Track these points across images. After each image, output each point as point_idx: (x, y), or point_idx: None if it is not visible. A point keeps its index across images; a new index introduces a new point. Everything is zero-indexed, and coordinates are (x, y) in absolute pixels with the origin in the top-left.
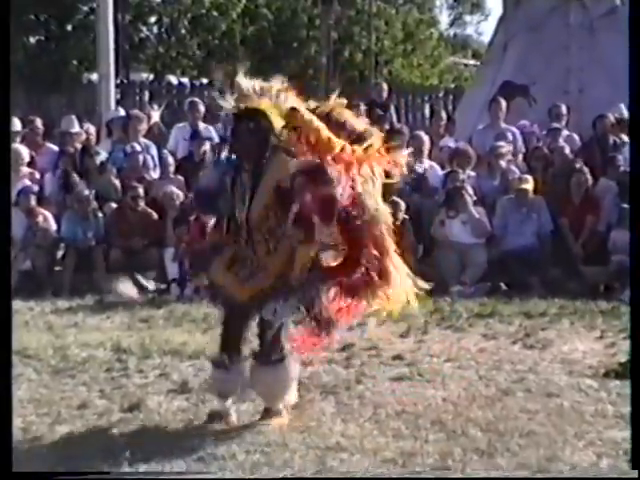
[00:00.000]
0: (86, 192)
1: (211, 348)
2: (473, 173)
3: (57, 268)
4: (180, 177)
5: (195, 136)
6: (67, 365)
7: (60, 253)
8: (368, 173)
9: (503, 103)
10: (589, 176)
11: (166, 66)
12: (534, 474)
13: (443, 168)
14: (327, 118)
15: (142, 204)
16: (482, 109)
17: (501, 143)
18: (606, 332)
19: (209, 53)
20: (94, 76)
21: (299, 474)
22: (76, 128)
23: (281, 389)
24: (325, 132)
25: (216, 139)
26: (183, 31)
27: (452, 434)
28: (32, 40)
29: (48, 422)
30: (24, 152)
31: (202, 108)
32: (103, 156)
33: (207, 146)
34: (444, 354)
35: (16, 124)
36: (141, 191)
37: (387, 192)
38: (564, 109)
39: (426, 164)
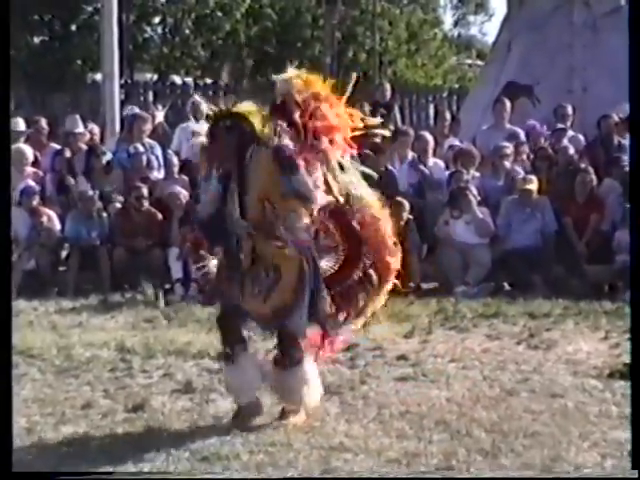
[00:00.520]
0: (90, 192)
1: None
2: (477, 173)
3: (61, 268)
4: (184, 177)
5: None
6: (71, 365)
7: (64, 253)
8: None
9: (507, 103)
10: (593, 176)
11: (170, 66)
12: (539, 475)
13: (448, 168)
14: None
15: (146, 204)
16: (486, 109)
17: (505, 143)
18: (610, 333)
19: (213, 53)
20: (98, 76)
21: (303, 474)
22: (80, 128)
23: (303, 390)
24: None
25: None
26: (187, 31)
27: (456, 434)
28: (36, 40)
29: (52, 422)
30: (28, 152)
31: (204, 108)
32: (109, 156)
33: None
34: (448, 354)
35: (20, 124)
36: (145, 191)
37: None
38: (570, 109)
39: (430, 161)
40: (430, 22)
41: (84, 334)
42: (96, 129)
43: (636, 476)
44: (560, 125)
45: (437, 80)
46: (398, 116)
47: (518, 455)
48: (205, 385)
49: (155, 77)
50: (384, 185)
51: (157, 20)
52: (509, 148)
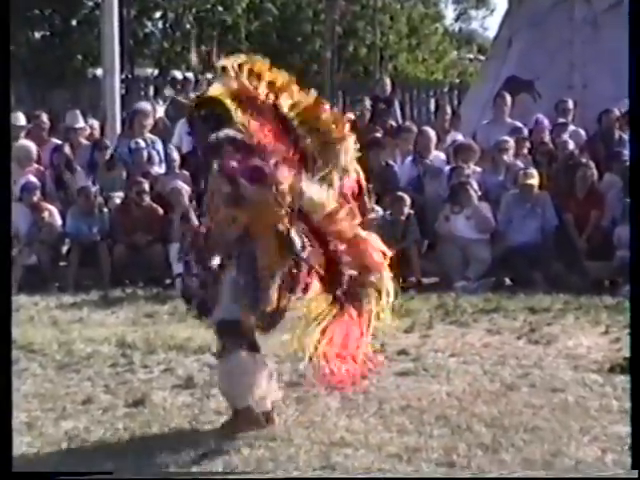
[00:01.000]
0: (91, 187)
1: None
2: (478, 168)
3: (62, 263)
4: (185, 172)
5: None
6: (72, 360)
7: (65, 248)
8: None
9: (508, 98)
10: (594, 171)
11: (171, 61)
12: (539, 470)
13: (449, 163)
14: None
15: (147, 199)
16: (487, 104)
17: (506, 138)
18: (611, 327)
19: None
20: (99, 71)
21: (304, 469)
22: (81, 123)
23: (238, 384)
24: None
25: None
26: (188, 26)
27: (457, 429)
28: (37, 35)
29: (53, 417)
30: (33, 148)
31: None
32: (112, 151)
33: None
34: (449, 349)
35: (21, 119)
36: (146, 186)
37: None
38: (571, 104)
39: (431, 155)
40: (431, 17)
41: (85, 329)
42: (96, 124)
43: (636, 476)
44: (561, 120)
45: (438, 75)
46: (398, 111)
47: (519, 450)
48: (206, 380)
49: (156, 72)
50: (385, 180)
51: (158, 15)
52: (509, 143)
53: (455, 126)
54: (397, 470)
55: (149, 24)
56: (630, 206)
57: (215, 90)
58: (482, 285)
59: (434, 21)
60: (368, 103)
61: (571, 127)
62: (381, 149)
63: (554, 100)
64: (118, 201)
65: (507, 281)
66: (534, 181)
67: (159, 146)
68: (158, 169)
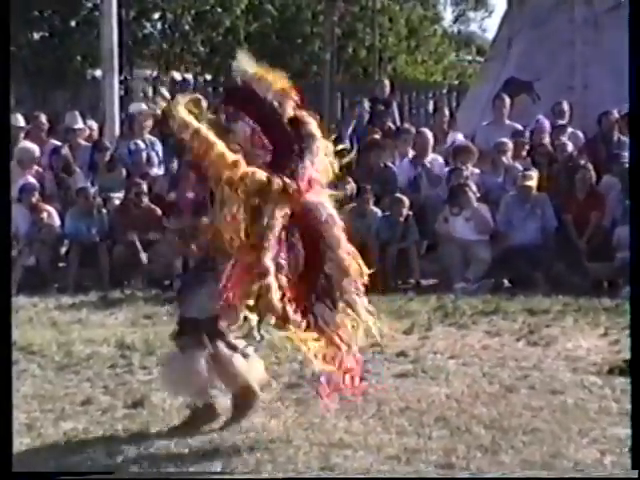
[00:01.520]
0: (91, 188)
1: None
2: (477, 170)
3: (61, 264)
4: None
5: None
6: (71, 361)
7: (64, 249)
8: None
9: (507, 100)
10: (593, 172)
11: (170, 62)
12: (539, 472)
13: (448, 164)
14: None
15: (146, 200)
16: (486, 106)
17: (505, 140)
18: (610, 329)
19: (213, 49)
20: (98, 72)
21: (303, 470)
22: (80, 124)
23: (186, 379)
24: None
25: None
26: (187, 27)
27: (456, 431)
28: (36, 36)
29: (52, 418)
30: (35, 150)
31: (204, 104)
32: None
33: None
34: (448, 351)
35: (20, 120)
36: (145, 187)
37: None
38: (566, 106)
39: (429, 158)
40: (430, 18)
41: (84, 330)
42: (95, 125)
43: (636, 476)
44: (560, 122)
45: (437, 76)
46: (397, 113)
47: (518, 451)
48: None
49: (155, 73)
50: (384, 181)
51: (157, 16)
52: (509, 144)
53: (452, 128)
54: (396, 471)
55: (148, 25)
56: (630, 208)
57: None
58: (481, 286)
59: (433, 23)
60: (367, 104)
61: (569, 129)
62: (380, 150)
63: (554, 101)
64: (117, 202)
65: (506, 283)
66: (533, 183)
67: (158, 147)
68: (157, 170)
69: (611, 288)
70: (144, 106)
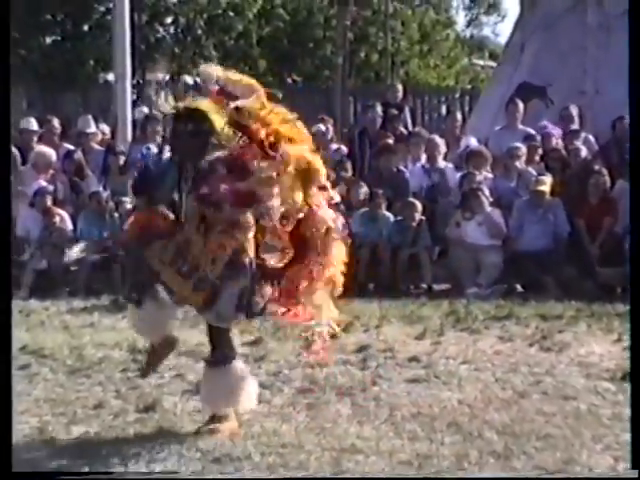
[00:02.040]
0: (103, 192)
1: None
2: (490, 175)
3: (73, 268)
4: None
5: None
6: (83, 365)
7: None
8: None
9: (520, 104)
10: (607, 178)
11: (182, 66)
12: (551, 476)
13: (461, 169)
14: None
15: None
16: (499, 110)
17: (518, 144)
18: (623, 335)
19: (225, 53)
20: (110, 76)
21: (315, 476)
22: (92, 128)
23: (224, 393)
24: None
25: None
26: (199, 31)
27: (468, 436)
28: (48, 40)
29: (64, 422)
30: (52, 154)
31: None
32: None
33: None
34: (460, 356)
35: (33, 123)
36: None
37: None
38: (575, 111)
39: (442, 165)
40: (442, 23)
41: (96, 334)
42: (107, 129)
43: (636, 476)
44: (573, 127)
45: (449, 81)
46: (409, 117)
47: (530, 457)
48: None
49: (167, 77)
50: (396, 186)
51: (169, 20)
52: (522, 149)
53: (465, 133)
54: (408, 477)
55: (160, 29)
56: (630, 208)
57: (203, 104)
58: (494, 292)
59: (445, 27)
60: (379, 109)
61: (583, 134)
62: (392, 155)
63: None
64: (129, 206)
65: (519, 288)
66: (546, 187)
67: None
68: None
69: (624, 293)
70: (146, 110)
